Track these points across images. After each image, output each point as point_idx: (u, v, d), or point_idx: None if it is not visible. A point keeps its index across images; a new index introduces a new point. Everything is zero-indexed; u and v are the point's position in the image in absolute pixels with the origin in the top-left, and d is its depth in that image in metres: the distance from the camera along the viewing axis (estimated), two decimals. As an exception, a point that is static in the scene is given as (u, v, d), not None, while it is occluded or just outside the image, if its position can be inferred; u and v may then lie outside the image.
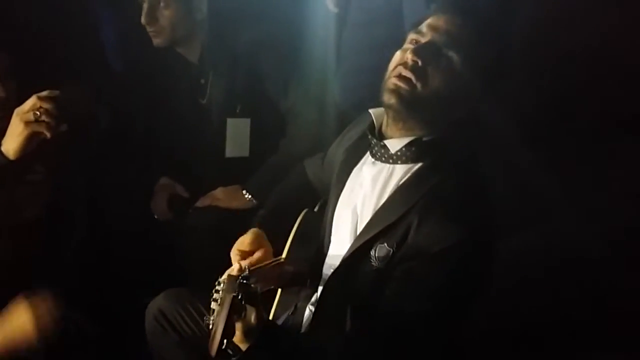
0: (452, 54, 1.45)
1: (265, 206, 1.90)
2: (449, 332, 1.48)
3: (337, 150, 1.75)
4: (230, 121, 2.39)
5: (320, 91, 2.34)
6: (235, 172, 2.39)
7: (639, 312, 2.14)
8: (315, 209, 1.85)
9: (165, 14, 2.26)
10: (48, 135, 1.64)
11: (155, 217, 2.47)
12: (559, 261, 2.31)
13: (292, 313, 1.66)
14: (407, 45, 1.51)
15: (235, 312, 1.28)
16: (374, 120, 1.57)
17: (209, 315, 1.41)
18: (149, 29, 2.28)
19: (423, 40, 1.48)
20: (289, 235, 1.74)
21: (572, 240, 2.25)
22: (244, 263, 1.52)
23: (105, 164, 2.41)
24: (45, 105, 1.62)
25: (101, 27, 2.63)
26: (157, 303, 1.82)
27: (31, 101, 1.63)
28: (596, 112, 2.31)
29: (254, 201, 2.33)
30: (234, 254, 1.63)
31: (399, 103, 1.46)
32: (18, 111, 1.65)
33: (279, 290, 1.71)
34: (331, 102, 2.33)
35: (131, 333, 1.96)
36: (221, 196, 2.37)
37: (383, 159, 1.53)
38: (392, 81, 1.47)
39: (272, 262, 1.65)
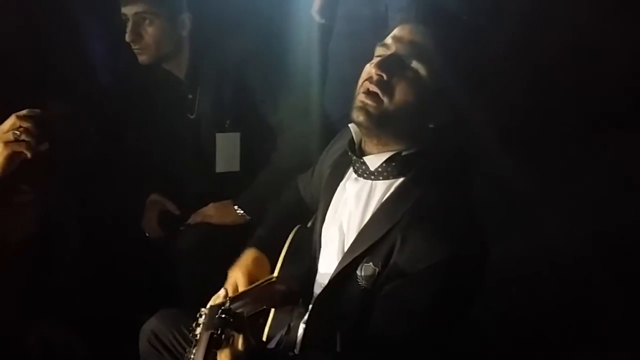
0: (416, 64, 1.42)
1: (261, 225, 1.86)
2: (439, 348, 1.45)
3: (323, 165, 1.73)
4: (219, 136, 2.37)
5: (309, 103, 2.32)
6: (227, 188, 2.38)
7: (625, 313, 2.15)
8: (308, 225, 1.83)
9: (149, 31, 2.23)
10: (28, 155, 1.60)
11: (147, 235, 2.44)
12: (545, 265, 2.31)
13: (285, 333, 1.64)
14: (374, 59, 1.48)
15: (213, 347, 1.25)
16: (354, 136, 1.54)
17: (190, 347, 1.39)
18: (133, 46, 2.26)
19: (388, 52, 1.46)
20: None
21: (558, 243, 2.24)
22: (230, 289, 1.50)
23: (94, 182, 2.39)
24: (25, 125, 1.59)
25: (88, 43, 2.61)
26: (151, 325, 1.80)
27: (10, 120, 1.60)
28: (579, 115, 2.31)
29: (247, 217, 2.31)
30: (234, 280, 1.64)
31: (368, 120, 1.43)
32: None
33: (272, 310, 1.68)
34: (321, 114, 2.32)
35: (126, 353, 1.93)
36: (213, 212, 2.35)
37: (365, 175, 1.52)
38: (359, 98, 1.45)
39: (264, 282, 1.63)
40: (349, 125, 1.54)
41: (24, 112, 1.61)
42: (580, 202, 2.27)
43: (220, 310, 1.27)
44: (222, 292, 1.51)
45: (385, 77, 1.42)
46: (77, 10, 2.54)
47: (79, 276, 2.20)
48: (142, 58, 2.29)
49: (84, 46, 2.57)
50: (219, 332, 1.25)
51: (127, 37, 2.24)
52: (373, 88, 1.43)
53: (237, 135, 2.38)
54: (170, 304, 2.13)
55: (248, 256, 1.74)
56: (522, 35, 2.25)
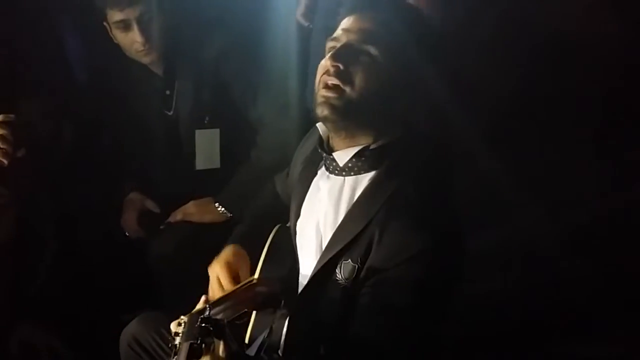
0: (370, 48, 1.42)
1: (241, 224, 1.85)
2: (424, 342, 1.44)
3: (295, 163, 1.72)
4: (199, 132, 2.34)
5: (289, 99, 2.30)
6: (207, 185, 2.35)
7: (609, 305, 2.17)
8: (288, 224, 1.81)
9: (154, 27, 2.17)
10: (5, 162, 1.59)
11: (126, 234, 2.41)
12: (522, 258, 2.32)
13: (268, 334, 1.62)
14: (327, 55, 1.47)
15: (194, 357, 1.23)
16: (322, 134, 1.53)
17: (171, 358, 1.37)
18: (142, 48, 2.18)
19: (339, 44, 1.45)
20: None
21: (536, 235, 2.25)
22: (212, 286, 1.48)
23: (71, 181, 2.36)
24: (1, 132, 1.56)
25: (64, 39, 2.57)
26: (131, 329, 1.78)
27: None
28: (559, 107, 2.31)
29: (227, 214, 2.29)
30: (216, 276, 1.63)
31: (333, 113, 1.42)
32: None
33: (254, 312, 1.67)
34: (301, 110, 2.29)
35: (107, 355, 1.92)
36: (193, 210, 2.33)
37: (336, 172, 1.51)
38: (320, 94, 1.44)
39: (244, 284, 1.61)
40: (317, 124, 1.53)
41: None
42: (561, 194, 2.28)
43: (200, 320, 1.25)
44: (202, 298, 1.49)
45: (341, 66, 1.41)
46: (52, 7, 2.51)
47: (59, 278, 2.18)
48: (147, 59, 2.24)
49: (59, 43, 2.53)
50: (198, 341, 1.24)
51: (138, 43, 2.16)
52: (332, 80, 1.42)
53: (217, 131, 2.35)
54: (151, 304, 2.12)
55: (228, 251, 1.72)
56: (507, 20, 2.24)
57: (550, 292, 2.26)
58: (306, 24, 2.28)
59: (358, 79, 1.41)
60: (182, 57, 2.29)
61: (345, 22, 1.47)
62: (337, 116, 1.43)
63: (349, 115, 1.43)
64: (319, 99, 1.44)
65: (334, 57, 1.42)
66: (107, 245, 2.39)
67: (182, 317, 1.41)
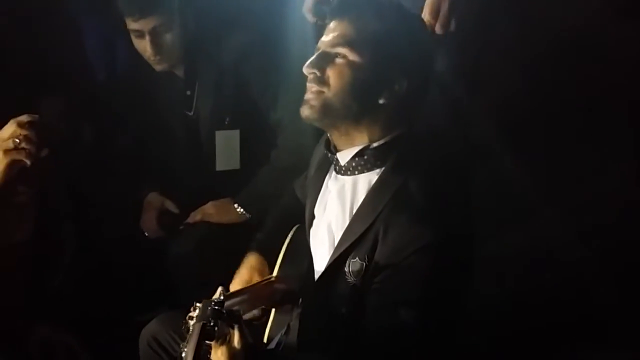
0: (342, 49, 1.46)
1: (261, 229, 1.85)
2: (434, 339, 1.43)
3: (312, 164, 1.75)
4: (219, 133, 2.35)
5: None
6: (227, 186, 2.35)
7: (621, 310, 2.14)
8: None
9: (167, 42, 2.19)
10: (28, 162, 1.57)
11: (146, 234, 2.41)
12: (539, 261, 2.29)
13: (285, 332, 1.62)
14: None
15: (206, 339, 1.26)
16: (328, 135, 1.57)
17: (184, 342, 1.37)
18: (153, 58, 2.21)
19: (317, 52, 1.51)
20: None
21: (552, 239, 2.23)
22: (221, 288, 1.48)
23: (91, 181, 2.37)
24: (25, 132, 1.55)
25: (85, 40, 2.58)
26: (150, 329, 1.80)
27: (10, 128, 1.56)
28: (572, 105, 2.28)
29: (247, 215, 2.29)
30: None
31: (312, 112, 1.48)
32: None
33: (273, 310, 1.66)
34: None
35: (125, 354, 1.92)
36: (212, 211, 2.33)
37: (341, 172, 1.54)
38: (305, 97, 1.51)
39: (262, 281, 1.62)
40: None
41: (23, 117, 1.57)
42: (579, 197, 2.25)
43: (213, 303, 1.27)
44: (219, 289, 1.49)
45: (318, 73, 1.48)
46: (74, 7, 2.53)
47: (78, 278, 2.19)
48: (159, 67, 2.26)
49: (81, 43, 2.55)
50: (211, 323, 1.25)
51: (149, 50, 2.18)
52: (311, 86, 1.49)
53: (237, 132, 2.36)
54: (170, 304, 2.12)
55: (248, 264, 1.75)
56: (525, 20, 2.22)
57: (566, 296, 2.23)
58: (313, 20, 2.26)
59: (333, 80, 1.47)
60: (203, 58, 2.30)
61: (325, 33, 1.52)
62: (316, 115, 1.48)
63: (327, 113, 1.48)
64: (303, 102, 1.50)
65: (310, 65, 1.49)
66: (126, 245, 2.39)
67: (196, 303, 1.40)
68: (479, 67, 1.65)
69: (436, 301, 1.39)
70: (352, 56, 1.46)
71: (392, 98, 1.47)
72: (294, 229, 1.76)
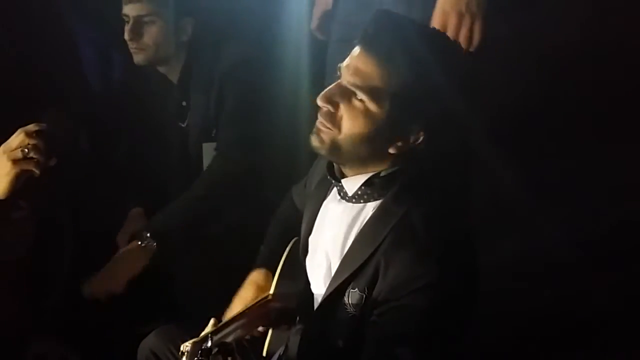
0: (361, 94, 1.36)
1: (264, 243, 1.82)
2: None
3: (313, 174, 1.70)
4: (206, 145, 2.32)
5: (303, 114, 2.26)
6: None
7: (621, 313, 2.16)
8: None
9: (150, 32, 2.22)
10: (37, 172, 1.53)
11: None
12: (540, 267, 2.31)
13: (283, 352, 1.61)
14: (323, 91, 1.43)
15: None
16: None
17: None
18: (131, 45, 2.24)
19: (338, 80, 1.41)
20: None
21: (552, 245, 2.25)
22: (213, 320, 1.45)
23: (88, 193, 2.36)
24: (33, 141, 1.51)
25: (81, 47, 2.58)
26: (149, 342, 1.78)
27: (18, 137, 1.52)
28: (573, 115, 2.28)
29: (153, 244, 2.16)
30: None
31: (322, 147, 1.42)
32: (5, 149, 1.53)
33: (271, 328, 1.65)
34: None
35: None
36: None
37: (346, 198, 1.48)
38: (317, 121, 1.42)
39: (259, 301, 1.60)
40: None
41: (31, 127, 1.53)
42: (576, 204, 2.25)
43: (200, 352, 1.23)
44: (211, 321, 1.46)
45: (332, 109, 1.39)
46: (70, 16, 2.53)
47: (75, 291, 2.18)
48: (138, 58, 2.26)
49: (77, 53, 2.54)
50: None
51: (126, 35, 2.22)
52: (321, 119, 1.41)
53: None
54: (168, 316, 2.11)
55: (251, 281, 1.72)
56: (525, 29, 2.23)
57: (569, 305, 2.23)
58: (322, 38, 2.26)
59: (345, 124, 1.38)
60: (198, 69, 2.30)
61: (352, 55, 1.40)
62: (325, 151, 1.43)
63: (336, 152, 1.42)
64: (315, 127, 1.43)
65: (324, 99, 1.39)
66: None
67: (185, 343, 1.31)
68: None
69: (436, 337, 1.36)
70: (371, 106, 1.36)
71: (405, 147, 1.41)
72: (291, 242, 1.72)
